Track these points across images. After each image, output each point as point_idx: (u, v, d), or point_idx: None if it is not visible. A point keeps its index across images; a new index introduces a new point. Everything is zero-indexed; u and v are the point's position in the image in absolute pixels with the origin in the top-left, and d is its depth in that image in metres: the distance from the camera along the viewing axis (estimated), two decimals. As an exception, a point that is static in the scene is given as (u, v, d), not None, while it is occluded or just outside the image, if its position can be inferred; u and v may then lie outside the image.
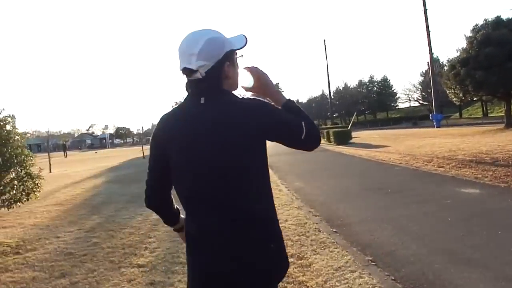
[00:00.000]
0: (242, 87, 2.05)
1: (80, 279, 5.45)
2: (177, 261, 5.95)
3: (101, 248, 6.90)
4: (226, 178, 1.80)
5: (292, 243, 6.44)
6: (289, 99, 2.06)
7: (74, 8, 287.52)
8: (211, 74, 1.84)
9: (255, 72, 2.05)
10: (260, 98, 1.94)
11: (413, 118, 78.22)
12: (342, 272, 5.12)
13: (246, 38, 1.97)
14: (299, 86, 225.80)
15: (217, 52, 1.85)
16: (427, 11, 44.41)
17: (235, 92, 1.97)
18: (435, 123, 43.97)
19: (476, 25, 31.47)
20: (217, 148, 1.78)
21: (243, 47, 1.96)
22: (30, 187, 8.40)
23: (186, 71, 1.87)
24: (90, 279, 5.44)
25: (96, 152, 73.37)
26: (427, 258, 5.49)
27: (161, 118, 2.02)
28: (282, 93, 2.14)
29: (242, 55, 2.01)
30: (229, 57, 1.91)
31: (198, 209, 1.89)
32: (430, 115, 48.59)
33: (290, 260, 5.03)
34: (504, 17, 30.17)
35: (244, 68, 2.04)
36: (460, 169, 12.40)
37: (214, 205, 1.83)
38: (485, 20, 31.09)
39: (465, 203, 8.31)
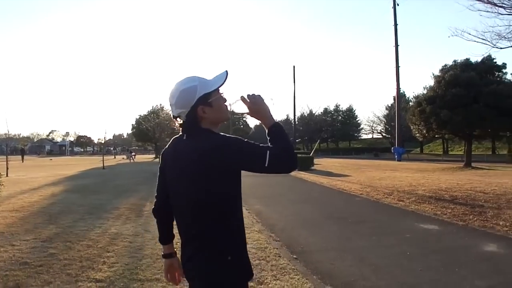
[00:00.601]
0: (240, 114, 2.44)
1: None
2: (135, 277, 5.80)
3: (58, 259, 6.64)
4: (193, 210, 2.23)
5: (253, 267, 6.35)
6: (275, 123, 2.28)
7: (35, 11, 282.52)
8: (189, 117, 2.27)
9: (249, 100, 2.32)
10: (229, 136, 2.23)
11: (374, 150, 79.54)
12: (301, 301, 5.06)
13: (226, 74, 2.29)
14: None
15: (188, 101, 2.24)
16: (398, 47, 45.55)
17: (224, 123, 2.56)
18: (396, 156, 44.80)
19: (445, 65, 32.43)
20: (189, 181, 2.20)
21: (223, 83, 2.28)
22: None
23: (174, 116, 2.37)
24: None
25: (51, 159, 71.20)
26: (386, 292, 5.50)
27: (171, 140, 2.47)
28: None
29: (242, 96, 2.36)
30: (202, 101, 2.25)
31: (181, 235, 2.47)
32: (392, 148, 49.48)
33: (250, 284, 4.96)
34: (473, 60, 31.12)
35: (240, 98, 2.34)
36: (420, 204, 12.59)
37: (188, 237, 2.38)
38: (454, 61, 32.00)
39: (424, 239, 8.42)
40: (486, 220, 9.76)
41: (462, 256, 7.08)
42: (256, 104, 2.31)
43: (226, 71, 2.29)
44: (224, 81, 2.27)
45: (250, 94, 2.33)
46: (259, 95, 2.33)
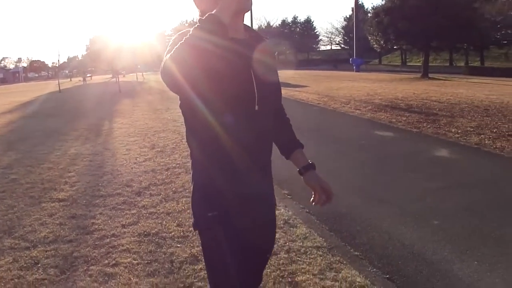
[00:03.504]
0: None
1: (0, 216, 5.20)
2: (97, 194, 5.86)
3: (20, 184, 6.60)
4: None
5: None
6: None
7: None
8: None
9: None
10: None
11: (333, 61, 79.43)
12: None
13: None
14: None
15: None
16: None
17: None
18: (354, 67, 45.01)
19: (404, -25, 31.77)
20: None
21: None
22: None
23: None
24: (10, 215, 5.23)
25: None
26: (340, 193, 5.59)
27: None
28: None
29: None
30: None
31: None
32: (350, 59, 49.61)
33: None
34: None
35: None
36: (376, 112, 12.74)
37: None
38: (414, -29, 31.38)
39: (379, 145, 8.58)
40: (439, 127, 9.96)
41: (414, 161, 7.26)
42: None
43: None
44: None
45: None
46: None
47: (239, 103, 1.67)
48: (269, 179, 2.00)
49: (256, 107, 1.71)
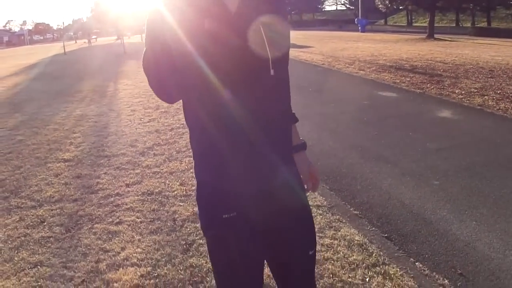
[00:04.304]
0: None
1: (7, 176, 5.30)
2: (102, 154, 5.96)
3: (26, 145, 6.69)
4: None
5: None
6: None
7: None
8: None
9: None
10: None
11: (339, 22, 78.31)
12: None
13: None
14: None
15: None
16: None
17: None
18: (360, 28, 44.38)
19: None
20: None
21: None
22: None
23: None
24: (17, 175, 5.33)
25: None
26: (341, 153, 5.68)
27: None
28: None
29: None
30: None
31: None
32: (356, 19, 48.87)
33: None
34: None
35: None
36: (380, 73, 12.65)
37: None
38: None
39: (382, 105, 8.55)
40: (443, 88, 9.90)
41: (417, 121, 7.25)
42: None
43: None
44: None
45: None
46: None
47: (251, 69, 1.35)
48: (291, 161, 1.63)
49: (272, 72, 1.38)
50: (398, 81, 11.20)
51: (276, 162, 1.48)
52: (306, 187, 1.72)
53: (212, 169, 1.46)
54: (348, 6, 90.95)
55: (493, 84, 10.06)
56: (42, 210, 4.22)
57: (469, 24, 50.99)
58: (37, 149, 6.41)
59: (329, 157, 5.54)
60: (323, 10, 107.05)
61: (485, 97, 8.75)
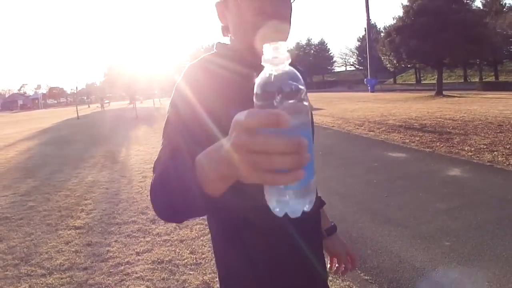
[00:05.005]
0: None
1: (17, 243, 5.39)
2: (113, 222, 6.02)
3: (37, 211, 6.80)
4: None
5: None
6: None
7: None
8: None
9: None
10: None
11: (348, 82, 79.54)
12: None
13: None
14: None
15: None
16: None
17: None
18: (369, 88, 45.04)
19: (414, -6, 32.05)
20: None
21: None
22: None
23: None
24: (27, 242, 5.41)
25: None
26: (351, 217, 5.69)
27: None
28: None
29: None
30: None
31: None
32: (365, 79, 49.64)
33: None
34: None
35: None
36: (389, 133, 12.77)
37: None
38: (423, -11, 31.65)
39: (391, 166, 8.59)
40: (452, 146, 9.95)
41: (426, 181, 7.26)
42: None
43: None
44: None
45: None
46: None
47: None
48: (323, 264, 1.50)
49: None
50: (408, 140, 11.29)
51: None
52: (339, 268, 1.71)
53: None
54: (357, 66, 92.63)
55: (502, 139, 10.09)
56: (51, 279, 4.28)
57: (477, 79, 51.52)
58: (48, 216, 6.51)
59: (339, 222, 5.51)
60: (333, 71, 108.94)
61: (495, 152, 8.77)
